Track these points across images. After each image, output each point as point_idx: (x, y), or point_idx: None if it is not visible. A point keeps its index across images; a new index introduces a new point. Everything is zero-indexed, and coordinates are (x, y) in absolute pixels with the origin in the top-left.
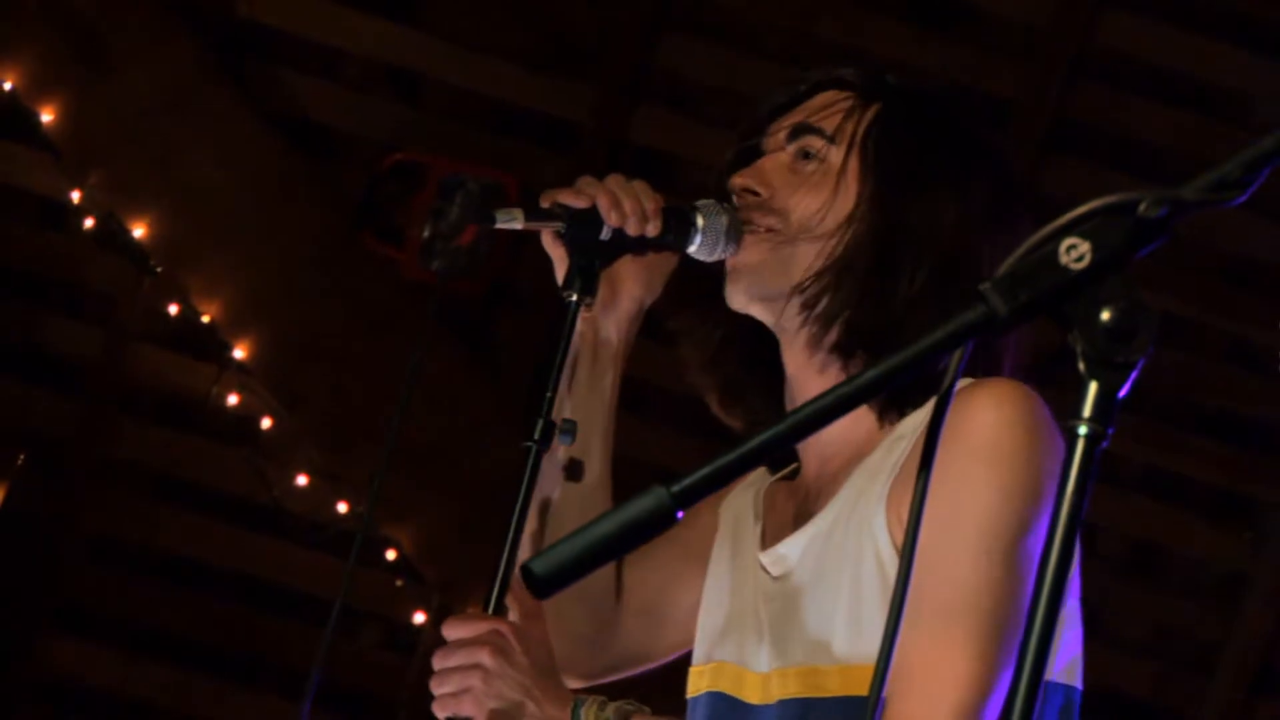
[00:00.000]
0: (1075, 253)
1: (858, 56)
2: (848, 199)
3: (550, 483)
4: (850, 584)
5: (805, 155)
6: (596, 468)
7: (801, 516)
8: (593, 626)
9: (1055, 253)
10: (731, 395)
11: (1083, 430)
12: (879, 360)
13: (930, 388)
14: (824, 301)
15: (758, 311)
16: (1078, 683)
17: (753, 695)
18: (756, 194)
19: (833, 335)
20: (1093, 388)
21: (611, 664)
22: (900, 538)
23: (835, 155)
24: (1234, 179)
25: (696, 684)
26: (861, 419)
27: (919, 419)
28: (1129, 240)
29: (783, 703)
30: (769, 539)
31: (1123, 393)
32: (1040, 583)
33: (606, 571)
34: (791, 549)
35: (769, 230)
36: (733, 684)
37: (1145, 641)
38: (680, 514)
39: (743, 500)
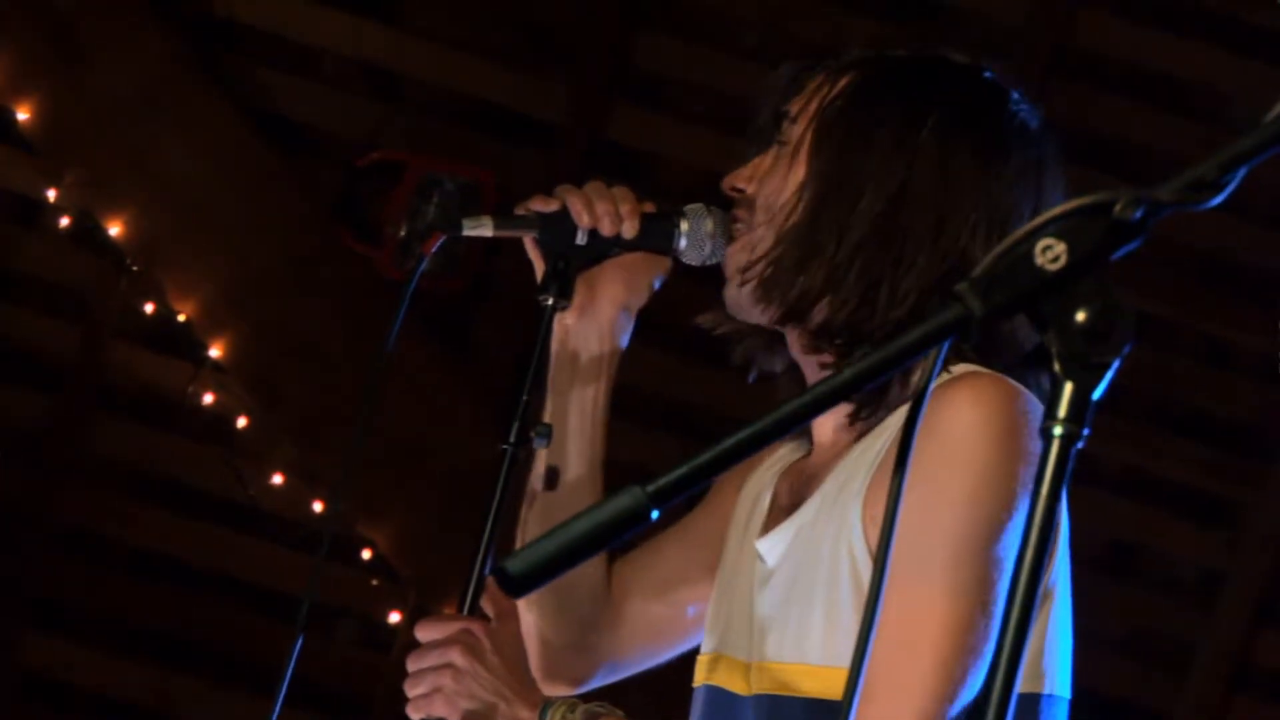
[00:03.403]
0: (1051, 253)
1: (834, 52)
2: (799, 172)
3: (535, 485)
4: (825, 582)
5: (780, 143)
6: (575, 472)
7: (795, 504)
8: (580, 633)
9: (1031, 253)
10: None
11: (1058, 431)
12: (852, 361)
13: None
14: (768, 274)
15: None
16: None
17: (739, 686)
18: (743, 191)
19: (779, 310)
20: (1068, 388)
21: (604, 669)
22: (874, 537)
23: (795, 132)
24: (1210, 179)
25: (699, 674)
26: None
27: (905, 411)
28: (1104, 241)
29: (758, 697)
30: (770, 524)
31: (1098, 393)
32: (1015, 586)
33: (594, 577)
34: (781, 539)
35: (740, 224)
36: (726, 676)
37: (1122, 641)
38: (656, 514)
39: (764, 480)
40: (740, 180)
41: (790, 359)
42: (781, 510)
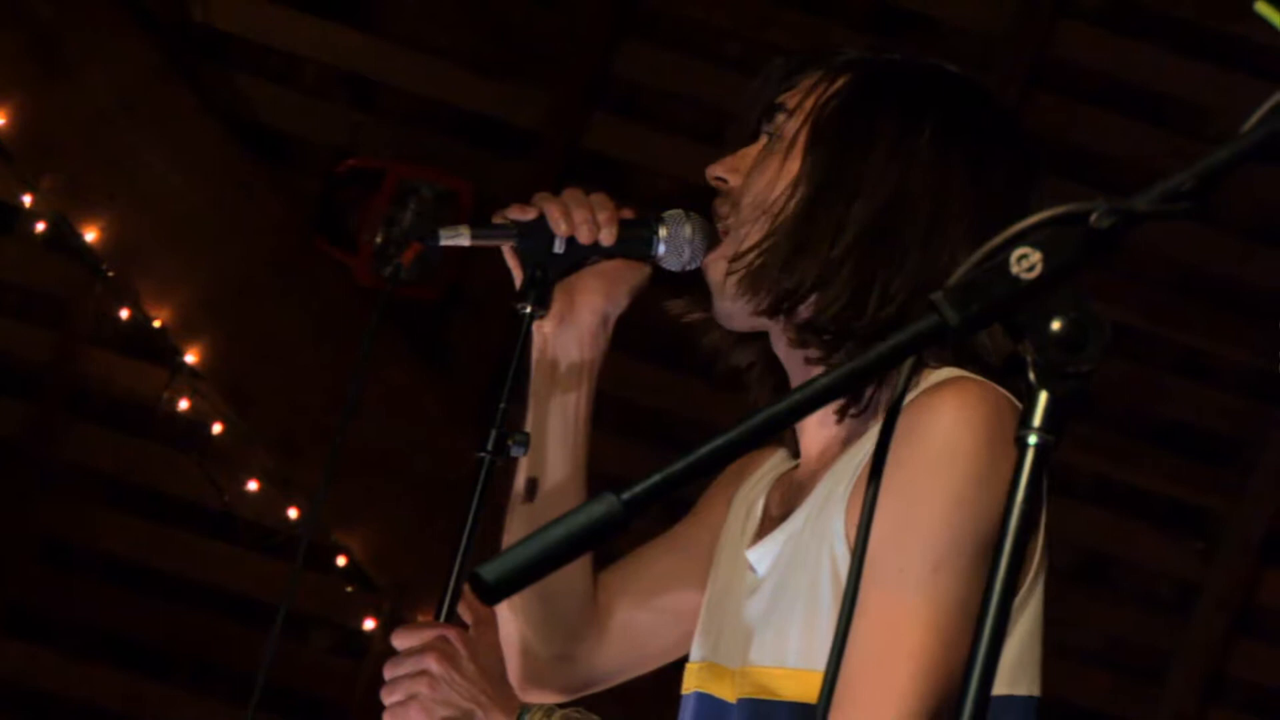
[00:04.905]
0: (1026, 262)
1: (828, 50)
2: (793, 168)
3: (517, 494)
4: (808, 588)
5: (771, 136)
6: (558, 480)
7: (785, 514)
8: (566, 642)
9: (1007, 262)
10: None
11: (1033, 440)
12: (831, 369)
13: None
14: (757, 265)
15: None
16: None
17: (726, 692)
18: (725, 181)
19: (766, 302)
20: (1043, 397)
21: (590, 679)
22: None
23: (790, 127)
24: (1186, 190)
25: (688, 681)
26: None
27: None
28: (1080, 250)
29: (741, 701)
30: (760, 534)
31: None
32: (989, 593)
33: (580, 585)
34: (770, 548)
35: (722, 222)
36: (714, 683)
37: (1097, 651)
38: (630, 522)
39: (755, 491)
40: (724, 169)
41: (765, 356)
42: (772, 520)
